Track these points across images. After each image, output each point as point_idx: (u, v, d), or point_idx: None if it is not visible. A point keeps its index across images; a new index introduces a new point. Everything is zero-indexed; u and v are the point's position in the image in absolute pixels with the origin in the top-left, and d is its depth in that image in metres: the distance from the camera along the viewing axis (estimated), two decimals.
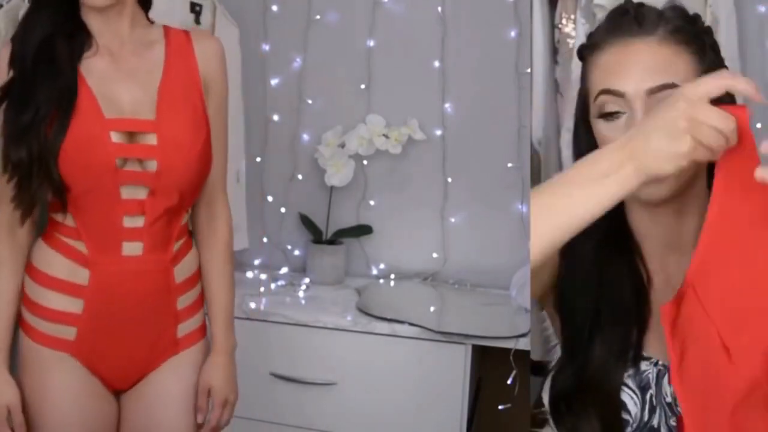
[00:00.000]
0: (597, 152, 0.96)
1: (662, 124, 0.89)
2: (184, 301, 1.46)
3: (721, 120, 0.88)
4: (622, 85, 1.09)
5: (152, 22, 1.46)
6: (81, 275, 1.37)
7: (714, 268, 0.97)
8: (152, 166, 1.35)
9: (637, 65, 1.10)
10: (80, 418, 1.40)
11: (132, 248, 1.37)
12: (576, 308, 1.18)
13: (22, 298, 1.42)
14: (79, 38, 1.37)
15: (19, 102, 1.32)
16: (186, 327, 1.47)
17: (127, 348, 1.41)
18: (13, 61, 1.35)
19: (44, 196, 1.33)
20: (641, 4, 1.16)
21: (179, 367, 1.46)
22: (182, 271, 1.45)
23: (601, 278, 1.17)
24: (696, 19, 1.16)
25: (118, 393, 1.47)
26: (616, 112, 1.10)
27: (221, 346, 1.50)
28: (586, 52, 1.18)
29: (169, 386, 1.46)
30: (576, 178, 0.94)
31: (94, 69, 1.36)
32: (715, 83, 0.89)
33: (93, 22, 1.37)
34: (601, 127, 1.13)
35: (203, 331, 1.52)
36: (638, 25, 1.11)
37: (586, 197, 0.92)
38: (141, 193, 1.36)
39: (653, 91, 1.08)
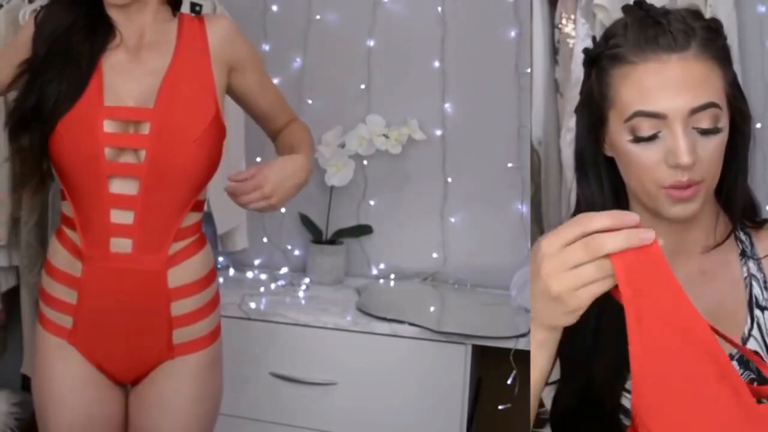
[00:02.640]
0: None
1: (541, 289, 0.88)
2: (181, 308, 1.43)
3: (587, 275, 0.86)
4: (662, 107, 1.04)
5: (176, 16, 1.46)
6: (76, 267, 1.39)
7: (658, 400, 0.89)
8: (143, 157, 1.34)
9: (678, 84, 1.05)
10: (80, 404, 1.42)
11: (120, 245, 1.36)
12: (576, 326, 1.15)
13: (40, 290, 1.47)
14: (102, 31, 1.39)
15: (27, 88, 1.36)
16: (185, 333, 1.44)
17: (118, 344, 1.42)
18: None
19: (37, 182, 1.39)
20: (667, 12, 1.10)
21: (175, 374, 1.44)
22: (180, 275, 1.42)
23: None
24: (718, 26, 1.11)
25: (127, 385, 1.48)
26: (654, 135, 1.05)
27: (301, 154, 1.47)
28: (607, 61, 1.10)
29: (166, 393, 1.45)
30: None
31: (112, 61, 1.38)
32: (571, 232, 0.86)
33: (115, 16, 1.39)
34: (632, 149, 1.08)
35: (211, 338, 1.49)
36: (673, 39, 1.05)
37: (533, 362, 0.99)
38: (132, 188, 1.35)
39: (695, 111, 1.04)
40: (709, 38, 1.08)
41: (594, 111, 1.14)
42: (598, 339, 1.13)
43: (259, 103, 1.56)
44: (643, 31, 1.08)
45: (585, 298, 0.87)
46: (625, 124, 1.08)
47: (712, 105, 1.05)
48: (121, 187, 1.35)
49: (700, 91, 1.05)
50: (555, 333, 0.95)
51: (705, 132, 1.05)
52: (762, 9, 2.08)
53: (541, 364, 0.98)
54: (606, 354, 1.12)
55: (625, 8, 1.13)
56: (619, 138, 1.09)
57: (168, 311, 1.42)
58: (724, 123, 1.07)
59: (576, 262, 0.85)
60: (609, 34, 1.13)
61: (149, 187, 1.35)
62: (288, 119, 1.62)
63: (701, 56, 1.06)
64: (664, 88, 1.05)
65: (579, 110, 1.19)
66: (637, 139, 1.07)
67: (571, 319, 0.90)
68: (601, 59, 1.12)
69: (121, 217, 1.36)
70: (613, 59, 1.09)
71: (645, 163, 1.07)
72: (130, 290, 1.38)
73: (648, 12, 1.10)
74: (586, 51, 1.17)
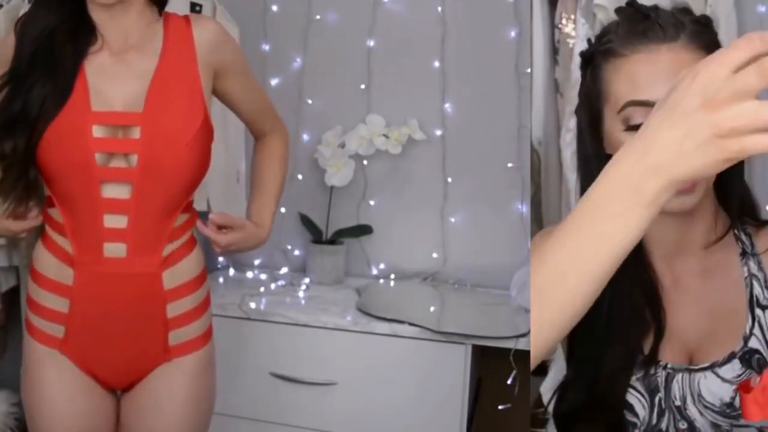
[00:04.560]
0: (602, 184, 0.75)
1: (690, 126, 0.68)
2: (176, 308, 1.42)
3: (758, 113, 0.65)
4: (653, 95, 1.05)
5: (161, 16, 1.44)
6: (67, 275, 1.37)
7: None
8: (134, 161, 1.33)
9: (668, 73, 1.06)
10: (73, 413, 1.40)
11: (114, 249, 1.35)
12: (587, 322, 1.16)
13: (27, 298, 1.44)
14: (84, 33, 1.36)
15: (12, 93, 1.33)
16: (180, 335, 1.43)
17: (114, 350, 1.40)
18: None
19: (21, 190, 1.34)
20: (656, 7, 1.12)
21: (171, 376, 1.43)
22: (174, 276, 1.41)
23: (612, 287, 1.15)
24: (708, 21, 1.13)
25: (117, 392, 1.47)
26: None
27: (265, 230, 1.56)
28: (600, 58, 1.13)
29: (161, 395, 1.43)
30: (587, 219, 0.76)
31: (96, 64, 1.36)
32: (739, 54, 0.67)
33: (99, 17, 1.37)
34: (627, 140, 1.04)
35: (205, 339, 1.48)
36: (662, 30, 1.07)
37: (610, 234, 0.75)
38: (124, 192, 1.33)
39: None
40: (698, 31, 1.10)
41: (591, 109, 1.15)
42: (608, 332, 1.13)
43: (242, 106, 1.58)
44: (633, 25, 1.10)
45: (758, 145, 0.66)
46: (618, 116, 1.09)
47: None
48: (113, 191, 1.33)
49: None
50: (674, 187, 0.73)
51: None
52: (762, 9, 2.08)
53: (641, 226, 0.73)
54: (616, 345, 1.13)
55: (617, 9, 1.16)
56: (614, 130, 1.11)
57: (164, 313, 1.41)
58: None
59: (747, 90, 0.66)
60: (602, 33, 1.16)
61: (142, 191, 1.34)
62: (271, 125, 1.65)
63: (691, 46, 1.08)
64: (655, 77, 1.06)
65: (578, 111, 1.20)
66: (631, 128, 1.08)
67: (718, 168, 0.69)
68: (595, 57, 1.14)
69: (114, 221, 1.34)
70: (606, 54, 1.12)
71: None
72: (126, 294, 1.37)
73: (638, 9, 1.12)
74: (581, 53, 1.19)
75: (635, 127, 1.07)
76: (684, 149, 0.69)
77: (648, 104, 1.06)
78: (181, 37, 1.41)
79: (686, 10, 1.14)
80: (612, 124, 1.11)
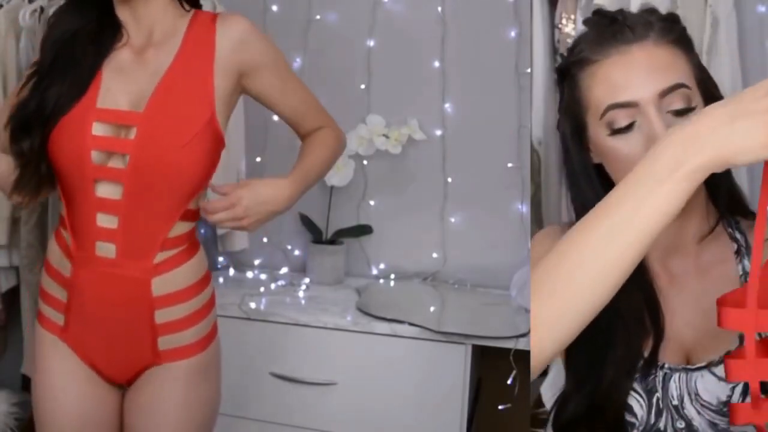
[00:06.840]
0: (645, 164, 0.79)
1: (736, 114, 0.73)
2: (167, 315, 1.39)
3: None
4: (632, 95, 1.07)
5: (188, 10, 1.41)
6: (66, 266, 1.39)
7: None
8: (127, 162, 1.32)
9: (643, 70, 1.07)
10: (74, 399, 1.41)
11: (105, 249, 1.35)
12: (587, 329, 1.16)
13: (39, 287, 1.47)
14: (110, 32, 1.37)
15: (30, 93, 1.35)
16: (172, 340, 1.40)
17: (106, 345, 1.41)
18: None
19: (33, 185, 1.37)
20: (622, 10, 1.14)
21: (163, 381, 1.41)
22: (166, 284, 1.38)
23: None
24: (675, 17, 1.15)
25: (124, 387, 1.47)
26: (630, 125, 1.08)
27: (287, 179, 1.44)
28: (575, 68, 1.14)
29: (153, 399, 1.42)
30: (632, 185, 0.80)
31: (114, 62, 1.36)
32: None
33: (123, 14, 1.37)
34: (613, 144, 1.09)
35: (202, 345, 1.44)
36: (631, 31, 1.09)
37: (651, 204, 0.79)
38: (116, 193, 1.32)
39: (665, 93, 1.06)
40: (666, 27, 1.11)
41: (574, 119, 1.16)
42: (609, 337, 1.13)
43: (280, 107, 1.51)
44: (601, 31, 1.12)
45: None
46: (601, 121, 1.10)
47: (680, 86, 1.07)
48: (106, 191, 1.33)
49: (667, 74, 1.07)
50: (716, 167, 0.77)
51: (679, 113, 1.07)
52: (762, 9, 2.08)
53: (677, 201, 0.79)
54: (618, 350, 1.13)
55: (585, 20, 1.18)
56: (599, 136, 1.12)
57: (152, 319, 1.38)
58: (697, 102, 1.09)
59: None
60: (573, 45, 1.18)
61: (133, 193, 1.32)
62: (317, 125, 1.56)
63: (661, 42, 1.09)
64: (631, 77, 1.08)
65: (560, 125, 1.21)
66: (615, 132, 1.09)
67: (765, 151, 0.73)
68: (570, 68, 1.16)
69: (106, 221, 1.34)
70: (580, 63, 1.13)
71: (627, 156, 1.08)
72: (115, 294, 1.37)
73: (604, 15, 1.14)
74: (556, 68, 1.22)
75: (620, 131, 1.08)
76: (734, 129, 0.72)
77: (629, 105, 1.07)
78: (203, 36, 1.38)
79: (652, 10, 1.15)
80: (596, 131, 1.12)
